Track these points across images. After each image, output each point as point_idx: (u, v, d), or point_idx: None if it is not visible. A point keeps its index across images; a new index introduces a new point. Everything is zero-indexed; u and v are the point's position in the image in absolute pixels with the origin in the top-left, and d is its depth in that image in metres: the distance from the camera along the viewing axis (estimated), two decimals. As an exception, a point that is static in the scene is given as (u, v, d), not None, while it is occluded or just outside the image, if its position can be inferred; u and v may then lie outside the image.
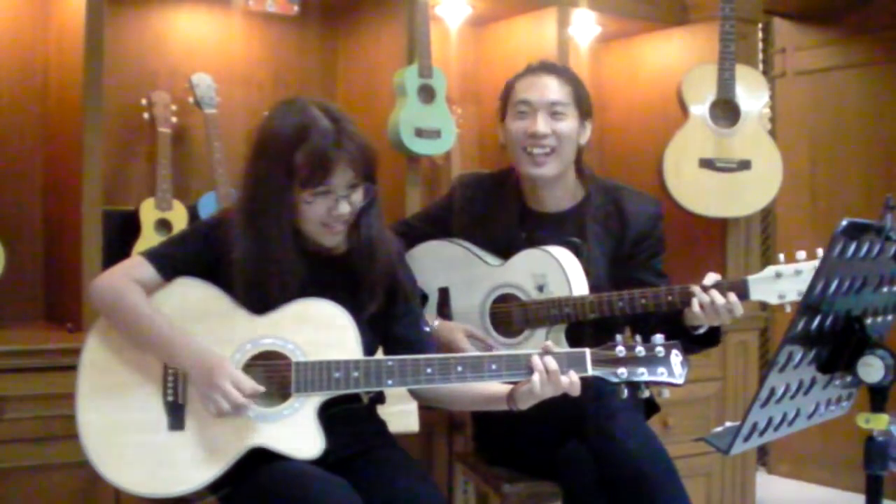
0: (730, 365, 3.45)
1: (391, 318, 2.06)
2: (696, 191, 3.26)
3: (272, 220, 1.89)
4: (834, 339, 1.63)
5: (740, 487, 3.53)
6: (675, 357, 1.89)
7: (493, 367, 1.89)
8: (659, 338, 1.90)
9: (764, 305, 2.18)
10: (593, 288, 2.26)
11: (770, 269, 2.13)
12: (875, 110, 4.19)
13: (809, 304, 1.55)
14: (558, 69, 2.39)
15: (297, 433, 1.87)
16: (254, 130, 1.95)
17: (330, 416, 1.90)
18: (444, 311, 2.41)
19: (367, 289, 1.99)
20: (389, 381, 1.89)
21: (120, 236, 2.80)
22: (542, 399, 1.89)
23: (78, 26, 2.61)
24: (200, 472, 1.86)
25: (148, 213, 2.85)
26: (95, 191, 2.59)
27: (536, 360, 1.87)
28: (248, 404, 1.83)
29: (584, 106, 2.36)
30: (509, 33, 3.46)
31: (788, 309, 2.09)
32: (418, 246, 2.45)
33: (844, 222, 1.50)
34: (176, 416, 1.88)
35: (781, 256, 2.13)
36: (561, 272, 2.24)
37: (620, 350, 1.89)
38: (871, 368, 1.60)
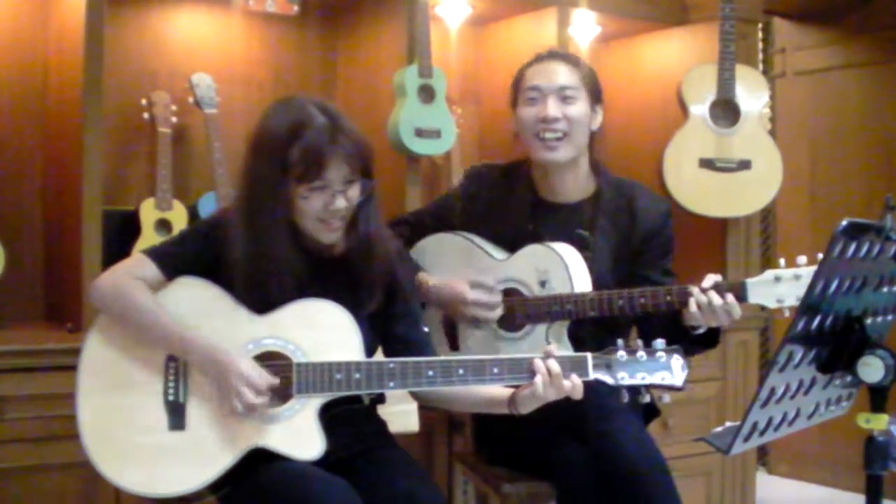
0: (730, 365, 3.45)
1: (391, 317, 2.06)
2: (696, 191, 3.26)
3: (268, 217, 1.90)
4: (834, 339, 1.63)
5: (740, 487, 3.53)
6: (676, 361, 1.89)
7: (495, 370, 1.89)
8: (660, 342, 1.90)
9: (762, 308, 2.16)
10: (597, 283, 2.25)
11: (769, 273, 2.12)
12: (875, 110, 4.19)
13: (809, 304, 1.55)
14: (567, 55, 2.40)
15: (297, 434, 1.87)
16: (252, 129, 1.96)
17: (330, 416, 1.90)
18: None
19: (366, 287, 1.99)
20: (391, 384, 1.89)
21: (120, 236, 2.80)
22: (544, 403, 1.89)
23: (78, 26, 2.62)
24: (200, 472, 1.86)
25: (148, 213, 2.86)
26: (95, 191, 2.59)
27: (539, 364, 1.87)
28: (263, 403, 1.84)
29: (594, 90, 2.36)
30: (509, 33, 3.46)
31: (787, 314, 2.08)
32: (426, 238, 2.45)
33: (844, 222, 1.50)
34: (176, 415, 1.88)
35: (782, 261, 2.13)
36: (564, 269, 2.24)
37: (622, 354, 1.89)
38: (871, 368, 1.60)
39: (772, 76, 4.50)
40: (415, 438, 2.49)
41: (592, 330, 2.25)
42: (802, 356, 1.60)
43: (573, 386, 1.86)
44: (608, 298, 2.20)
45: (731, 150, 3.28)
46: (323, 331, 1.91)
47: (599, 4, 3.38)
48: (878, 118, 4.18)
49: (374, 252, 1.98)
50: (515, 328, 2.30)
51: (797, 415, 1.71)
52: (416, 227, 2.47)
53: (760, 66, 3.97)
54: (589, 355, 1.90)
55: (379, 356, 2.07)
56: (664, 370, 1.88)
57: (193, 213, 2.93)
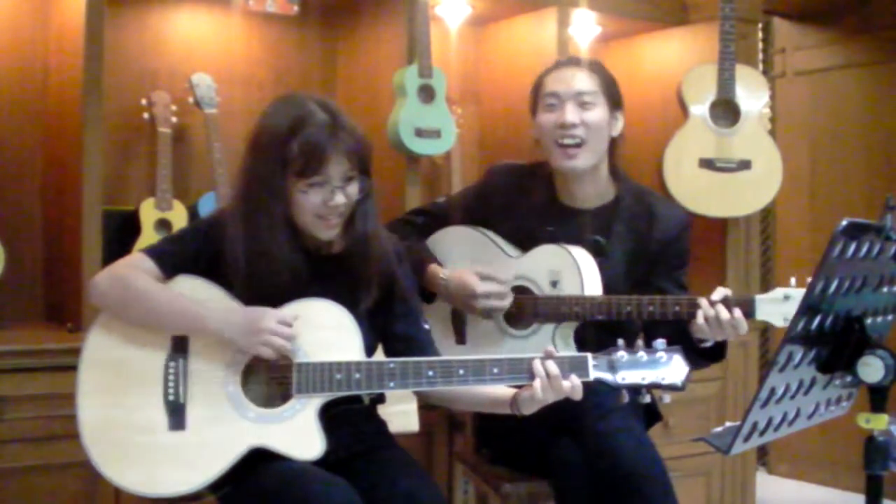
0: (730, 365, 3.45)
1: (391, 316, 2.06)
2: (696, 191, 3.26)
3: (267, 214, 1.90)
4: (834, 339, 1.63)
5: (740, 487, 3.53)
6: (677, 361, 1.89)
7: (495, 370, 1.89)
8: (661, 342, 1.90)
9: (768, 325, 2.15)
10: (609, 289, 2.25)
11: (779, 291, 2.12)
12: (875, 110, 4.19)
13: (809, 304, 1.55)
14: (585, 61, 2.39)
15: (297, 434, 1.87)
16: (252, 127, 1.96)
17: (331, 416, 1.90)
18: None
19: (364, 284, 1.99)
20: (391, 383, 1.89)
21: (120, 236, 2.80)
22: (546, 404, 1.89)
23: (78, 26, 2.62)
24: (200, 471, 1.85)
25: (148, 213, 2.86)
26: (95, 191, 2.59)
27: (538, 366, 1.87)
28: (297, 336, 1.86)
29: (613, 96, 2.35)
30: (509, 33, 3.46)
31: None
32: (441, 230, 2.46)
33: (844, 222, 1.50)
34: (176, 415, 1.88)
35: (793, 280, 2.12)
36: (576, 270, 2.24)
37: (622, 355, 1.89)
38: (871, 368, 1.60)
39: (772, 76, 4.50)
40: (415, 438, 2.49)
41: (599, 334, 2.24)
42: (802, 356, 1.60)
43: (572, 387, 1.86)
44: (616, 303, 2.20)
45: (731, 150, 3.28)
46: (323, 330, 1.91)
47: (599, 4, 3.38)
48: (878, 118, 4.18)
49: (371, 250, 1.98)
50: (523, 326, 2.30)
51: (797, 415, 1.71)
52: (435, 218, 2.48)
53: (760, 66, 3.97)
54: (589, 355, 1.90)
55: (379, 355, 2.07)
56: (664, 370, 1.88)
57: (193, 213, 2.93)
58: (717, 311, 2.11)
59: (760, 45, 4.00)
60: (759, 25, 3.74)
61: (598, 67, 2.37)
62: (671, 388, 1.88)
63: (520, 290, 2.32)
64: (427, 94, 2.94)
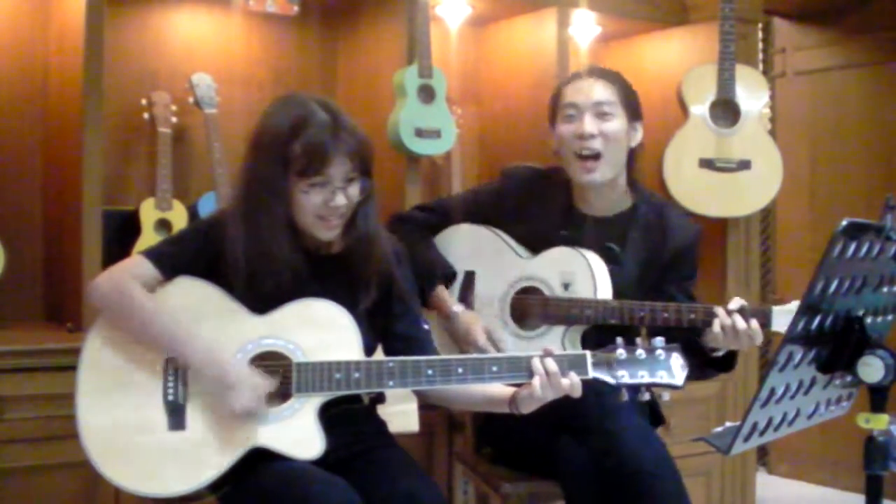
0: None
1: (390, 316, 2.06)
2: (696, 191, 3.26)
3: (268, 214, 1.90)
4: (834, 339, 1.63)
5: (740, 487, 3.53)
6: (676, 360, 1.89)
7: (494, 368, 1.89)
8: (659, 340, 1.90)
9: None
10: (620, 297, 2.26)
11: (795, 303, 2.12)
12: (875, 110, 4.19)
13: (809, 304, 1.55)
14: (604, 72, 2.38)
15: (297, 434, 1.87)
16: (252, 127, 1.96)
17: (330, 416, 1.90)
18: (467, 294, 2.41)
19: (363, 284, 1.99)
20: (390, 383, 1.89)
21: (120, 236, 2.80)
22: (544, 402, 1.89)
23: (78, 26, 2.62)
24: (200, 471, 1.85)
25: (148, 213, 2.86)
26: (95, 191, 2.59)
27: (536, 363, 1.87)
28: (260, 407, 1.84)
29: (632, 106, 2.35)
30: (509, 33, 3.46)
31: None
32: (452, 227, 2.46)
33: (844, 222, 1.50)
34: (176, 415, 1.88)
35: None
36: (589, 274, 2.24)
37: (621, 353, 1.89)
38: (871, 368, 1.60)
39: (772, 76, 4.50)
40: (415, 438, 2.49)
41: (607, 337, 2.24)
42: (802, 356, 1.60)
43: (571, 384, 1.86)
44: (630, 308, 2.20)
45: (731, 150, 3.28)
46: (322, 330, 1.91)
47: (599, 4, 3.38)
48: (878, 118, 4.18)
49: (372, 251, 1.99)
50: (531, 327, 2.30)
51: (797, 415, 1.71)
52: (443, 215, 2.47)
53: (760, 66, 3.97)
54: (588, 353, 1.90)
55: (379, 355, 2.07)
56: (663, 369, 1.88)
57: (193, 213, 2.93)
58: (734, 320, 2.10)
59: (760, 45, 4.00)
60: (759, 25, 3.74)
61: (618, 78, 2.37)
62: (670, 386, 1.88)
63: (529, 291, 2.32)
64: (427, 94, 2.94)
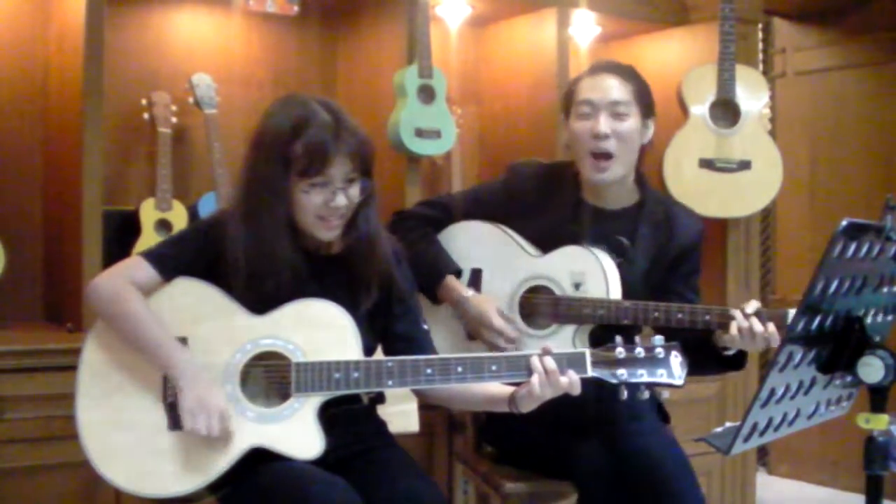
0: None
1: (390, 317, 2.06)
2: (696, 191, 3.26)
3: (268, 214, 1.90)
4: (834, 339, 1.63)
5: (740, 487, 3.53)
6: (675, 358, 1.89)
7: (493, 367, 1.89)
8: (658, 339, 1.90)
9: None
10: (629, 291, 2.26)
11: None
12: (875, 110, 4.19)
13: (809, 304, 1.55)
14: (620, 68, 2.37)
15: (296, 433, 1.87)
16: (253, 127, 1.96)
17: (330, 416, 1.90)
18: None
19: (363, 285, 1.99)
20: (389, 382, 1.89)
21: (120, 236, 2.80)
22: (543, 401, 1.89)
23: (78, 26, 2.62)
24: (200, 472, 1.85)
25: (148, 213, 2.86)
26: (95, 191, 2.59)
27: (535, 362, 1.87)
28: (228, 435, 1.84)
29: (646, 104, 2.35)
30: (509, 33, 3.46)
31: None
32: (458, 223, 2.44)
33: (844, 222, 1.50)
34: (176, 416, 1.88)
35: None
36: (601, 273, 2.24)
37: (620, 351, 1.89)
38: (871, 368, 1.60)
39: (772, 76, 4.50)
40: (415, 438, 2.49)
41: (614, 336, 2.24)
42: (802, 356, 1.60)
43: (570, 382, 1.86)
44: (644, 308, 2.20)
45: (731, 150, 3.28)
46: (322, 330, 1.91)
47: (599, 4, 3.38)
48: (878, 118, 4.18)
49: (372, 252, 1.99)
50: (540, 326, 2.30)
51: (797, 415, 1.71)
52: (449, 212, 2.45)
53: (760, 66, 3.97)
54: (587, 352, 1.90)
55: (378, 356, 2.07)
56: (663, 367, 1.88)
57: (193, 213, 2.93)
58: (751, 323, 2.11)
59: (760, 45, 4.00)
60: (759, 25, 3.74)
61: (633, 74, 2.36)
62: (669, 385, 1.88)
63: (538, 290, 2.32)
64: (427, 94, 2.94)
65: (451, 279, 2.33)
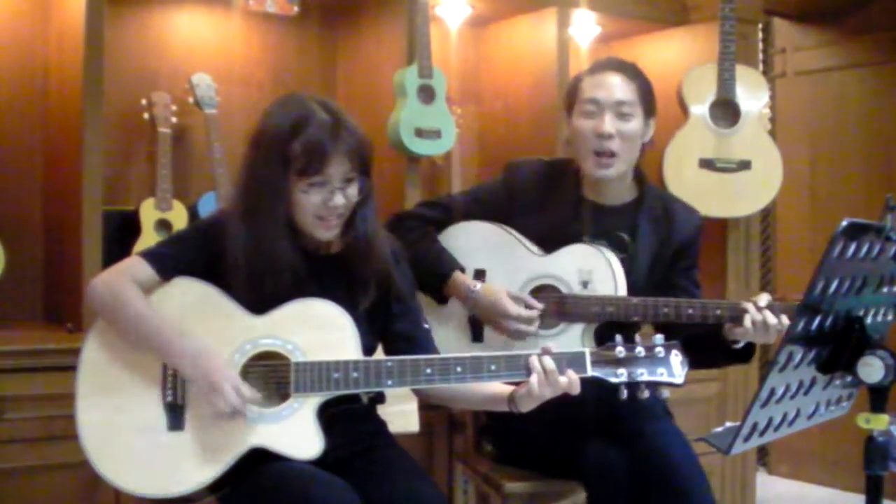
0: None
1: (389, 316, 2.06)
2: (696, 191, 3.25)
3: (267, 213, 1.90)
4: (834, 339, 1.63)
5: (740, 487, 3.53)
6: (675, 357, 1.89)
7: (492, 367, 1.89)
8: (659, 338, 1.90)
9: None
10: (633, 287, 2.26)
11: None
12: (875, 110, 4.19)
13: (809, 304, 1.55)
14: (624, 65, 2.37)
15: (296, 433, 1.87)
16: (253, 127, 1.96)
17: (329, 416, 1.90)
18: None
19: (362, 284, 1.99)
20: (389, 382, 1.89)
21: (120, 236, 2.80)
22: (543, 401, 1.89)
23: (78, 26, 2.62)
24: (200, 472, 1.85)
25: (148, 213, 2.86)
26: (95, 191, 2.59)
27: (534, 361, 1.88)
28: (245, 410, 1.84)
29: (649, 104, 2.36)
30: (509, 33, 3.46)
31: None
32: (460, 224, 2.43)
33: (844, 222, 1.50)
34: (175, 416, 1.88)
35: None
36: (609, 271, 2.24)
37: (620, 350, 1.89)
38: (871, 368, 1.60)
39: (772, 76, 4.50)
40: (415, 438, 2.49)
41: (619, 333, 2.24)
42: (802, 356, 1.60)
43: (569, 382, 1.86)
44: (654, 304, 2.21)
45: (731, 150, 3.28)
46: (321, 330, 1.91)
47: (599, 4, 3.38)
48: (878, 118, 4.17)
49: (371, 251, 1.99)
50: (548, 326, 2.30)
51: (797, 415, 1.71)
52: (450, 212, 2.45)
53: (760, 66, 3.97)
54: (587, 351, 1.90)
55: (379, 355, 2.07)
56: (663, 366, 1.88)
57: (193, 213, 2.93)
58: (764, 315, 2.12)
59: (760, 45, 4.00)
60: (759, 25, 3.74)
61: (637, 73, 2.37)
62: (670, 384, 1.88)
63: (545, 289, 2.32)
64: (427, 94, 2.94)
65: (457, 274, 2.33)
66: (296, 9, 3.09)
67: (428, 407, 2.30)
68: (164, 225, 2.86)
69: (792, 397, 1.65)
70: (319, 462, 1.85)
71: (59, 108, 2.81)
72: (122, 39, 2.98)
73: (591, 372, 1.88)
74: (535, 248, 2.35)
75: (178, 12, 3.13)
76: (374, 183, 1.97)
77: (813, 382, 1.67)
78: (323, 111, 1.89)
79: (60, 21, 2.82)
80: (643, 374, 1.88)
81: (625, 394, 1.88)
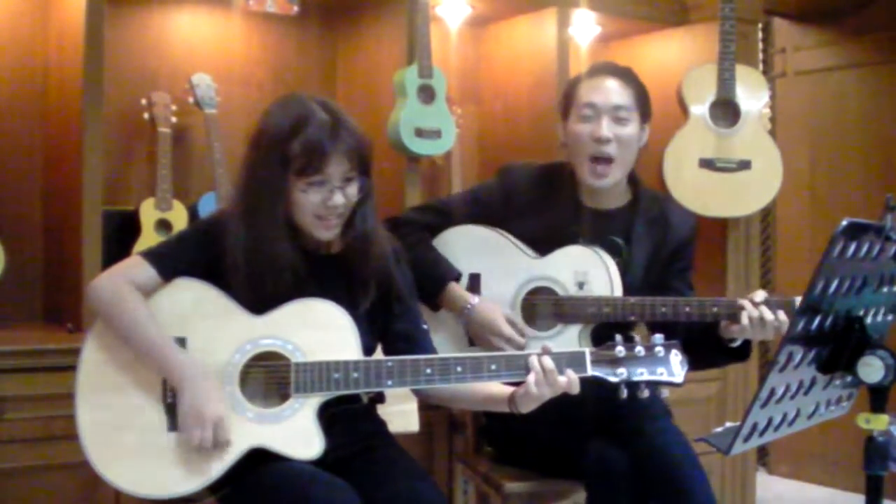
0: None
1: (390, 316, 2.06)
2: (696, 191, 3.26)
3: (267, 213, 1.90)
4: (834, 339, 1.63)
5: (740, 487, 3.53)
6: (675, 357, 1.89)
7: (493, 367, 1.89)
8: (658, 337, 1.90)
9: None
10: (629, 290, 2.27)
11: None
12: (875, 110, 4.19)
13: (809, 304, 1.55)
14: (619, 70, 2.38)
15: (296, 434, 1.87)
16: (252, 127, 1.96)
17: (329, 416, 1.90)
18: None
19: (362, 284, 1.99)
20: (389, 382, 1.89)
21: (120, 236, 2.80)
22: (543, 401, 1.89)
23: (78, 26, 2.62)
24: (200, 472, 1.85)
25: (148, 213, 2.86)
26: (96, 191, 2.60)
27: (533, 361, 1.88)
28: (228, 444, 1.84)
29: (644, 109, 2.37)
30: (509, 33, 3.46)
31: None
32: (454, 228, 2.42)
33: (844, 222, 1.50)
34: (175, 417, 1.88)
35: None
36: (605, 271, 2.25)
37: (620, 350, 1.89)
38: (871, 368, 1.60)
39: (772, 76, 4.50)
40: (415, 438, 2.49)
41: (614, 333, 2.24)
42: (802, 356, 1.60)
43: (569, 381, 1.86)
44: (651, 304, 2.21)
45: (731, 150, 3.28)
46: (321, 331, 1.91)
47: (599, 4, 3.38)
48: (878, 118, 4.18)
49: (370, 251, 1.99)
50: (544, 328, 2.30)
51: (797, 415, 1.71)
52: (443, 216, 2.44)
53: (760, 66, 3.97)
54: (587, 351, 1.90)
55: (378, 355, 2.07)
56: (663, 366, 1.88)
57: (193, 213, 2.93)
58: (761, 311, 2.13)
59: (760, 45, 4.00)
60: (759, 25, 3.74)
61: (632, 78, 2.37)
62: (670, 383, 1.88)
63: (541, 292, 2.32)
64: (427, 94, 2.94)
65: (453, 286, 2.33)
66: (296, 9, 3.09)
67: (428, 407, 2.30)
68: (164, 225, 2.86)
69: (792, 397, 1.65)
70: (319, 462, 1.85)
71: (59, 108, 2.81)
72: (122, 39, 2.98)
73: (591, 371, 1.88)
74: (529, 251, 2.35)
75: (178, 12, 3.13)
76: (373, 183, 1.97)
77: (813, 382, 1.67)
78: (322, 111, 1.89)
79: (60, 21, 2.82)
80: (643, 374, 1.88)
81: (625, 393, 1.88)
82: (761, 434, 1.65)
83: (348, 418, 1.97)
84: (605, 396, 1.91)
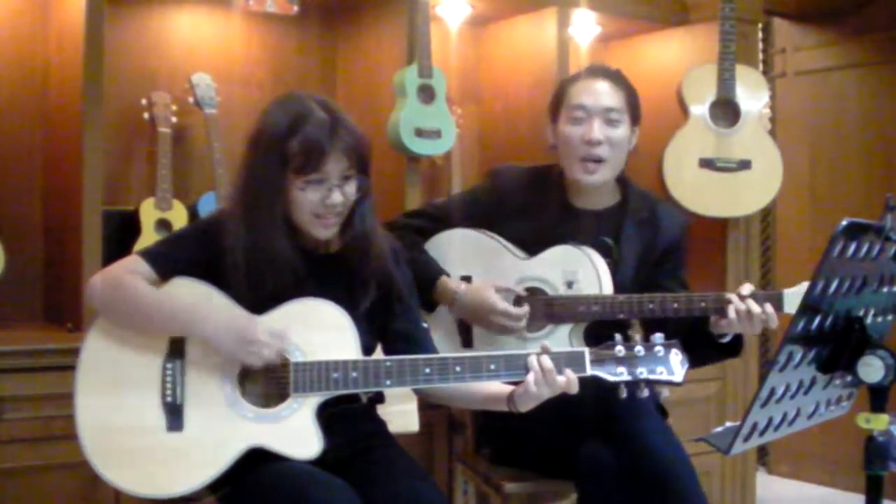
0: (730, 365, 3.45)
1: (390, 316, 2.06)
2: (696, 191, 3.26)
3: (266, 212, 1.90)
4: (834, 339, 1.63)
5: (740, 487, 3.53)
6: (675, 356, 1.89)
7: (492, 367, 1.89)
8: (658, 337, 1.90)
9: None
10: (619, 288, 2.27)
11: (804, 284, 2.13)
12: (875, 110, 4.19)
13: (809, 304, 1.55)
14: (611, 73, 2.39)
15: (295, 433, 1.86)
16: (252, 126, 1.96)
17: (329, 415, 1.90)
18: None
19: (361, 283, 1.99)
20: (388, 382, 1.89)
21: (120, 236, 2.80)
22: (542, 400, 1.89)
23: (78, 26, 2.62)
24: (199, 472, 1.85)
25: (148, 213, 2.86)
26: (95, 191, 2.59)
27: (532, 361, 1.88)
28: (289, 345, 1.85)
29: (635, 111, 2.38)
30: (509, 33, 3.46)
31: None
32: (444, 232, 2.43)
33: (844, 222, 1.50)
34: (174, 416, 1.88)
35: None
36: (593, 270, 2.25)
37: (619, 349, 1.89)
38: (872, 368, 1.60)
39: (772, 76, 4.50)
40: (415, 438, 2.49)
41: (605, 332, 2.24)
42: (802, 356, 1.60)
43: (568, 381, 1.86)
44: (639, 301, 2.21)
45: (731, 150, 3.28)
46: (320, 330, 1.91)
47: (599, 4, 3.38)
48: (878, 118, 4.18)
49: (369, 250, 1.99)
50: (536, 328, 2.30)
51: (797, 415, 1.71)
52: (434, 220, 2.45)
53: (760, 66, 3.97)
54: (586, 350, 1.90)
55: (378, 355, 2.07)
56: (662, 365, 1.88)
57: (193, 213, 2.93)
58: (748, 304, 2.13)
59: (760, 45, 4.00)
60: (759, 25, 3.74)
61: (623, 80, 2.38)
62: (669, 383, 1.88)
63: (531, 292, 2.32)
64: (427, 94, 2.94)
65: (443, 279, 2.33)
66: (296, 9, 3.08)
67: (428, 407, 2.30)
68: (164, 225, 2.86)
69: (792, 397, 1.65)
70: (319, 462, 1.85)
71: (59, 108, 2.81)
72: (122, 39, 2.98)
73: (590, 371, 1.88)
74: (518, 252, 2.36)
75: (178, 12, 3.13)
76: (372, 182, 1.97)
77: (813, 382, 1.67)
78: (321, 109, 1.89)
79: (60, 21, 2.82)
80: (643, 373, 1.88)
81: (624, 393, 1.88)
82: (761, 434, 1.65)
83: (347, 418, 1.97)
84: (603, 396, 1.91)
